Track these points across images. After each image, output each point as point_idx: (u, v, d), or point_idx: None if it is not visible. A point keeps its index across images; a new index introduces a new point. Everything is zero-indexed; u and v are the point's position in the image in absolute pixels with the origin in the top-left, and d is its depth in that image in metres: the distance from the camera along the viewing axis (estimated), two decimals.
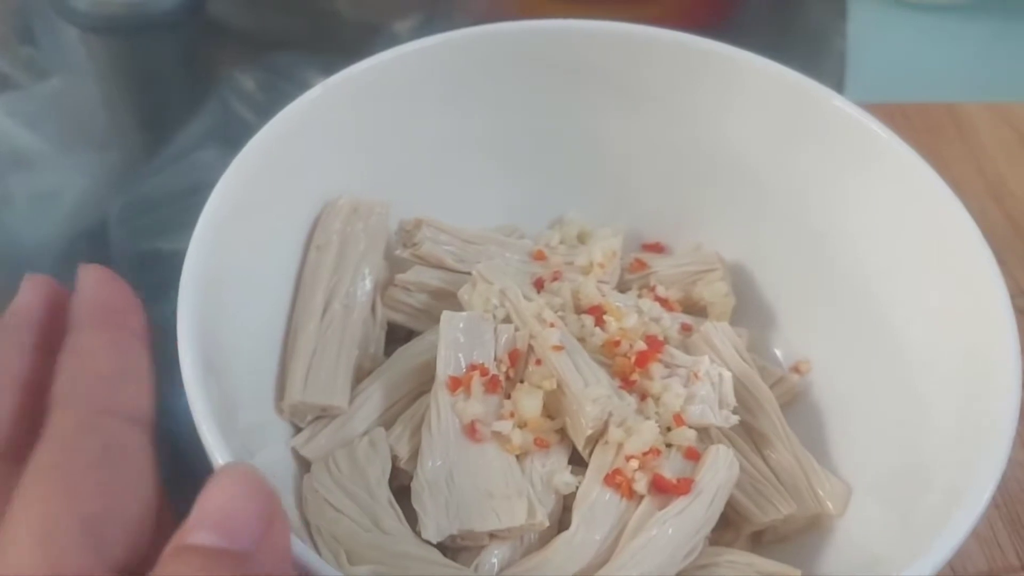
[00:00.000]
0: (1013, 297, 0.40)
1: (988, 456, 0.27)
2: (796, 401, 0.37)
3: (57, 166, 0.53)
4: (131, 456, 0.23)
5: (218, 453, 0.25)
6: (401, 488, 0.31)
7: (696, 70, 0.37)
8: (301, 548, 0.24)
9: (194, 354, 0.27)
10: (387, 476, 0.30)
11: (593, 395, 0.30)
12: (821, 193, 0.36)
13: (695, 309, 0.39)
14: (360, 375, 0.34)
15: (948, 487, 0.28)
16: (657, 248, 0.42)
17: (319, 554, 0.28)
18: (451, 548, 0.29)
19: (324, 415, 0.33)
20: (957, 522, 0.26)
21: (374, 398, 0.33)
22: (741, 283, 0.40)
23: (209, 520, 0.20)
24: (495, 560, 0.29)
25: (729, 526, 0.32)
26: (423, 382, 0.33)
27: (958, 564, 0.33)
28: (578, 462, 0.32)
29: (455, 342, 0.32)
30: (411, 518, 0.29)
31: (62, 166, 0.53)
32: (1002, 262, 0.41)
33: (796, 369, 0.37)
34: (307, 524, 0.29)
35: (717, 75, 0.37)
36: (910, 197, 0.33)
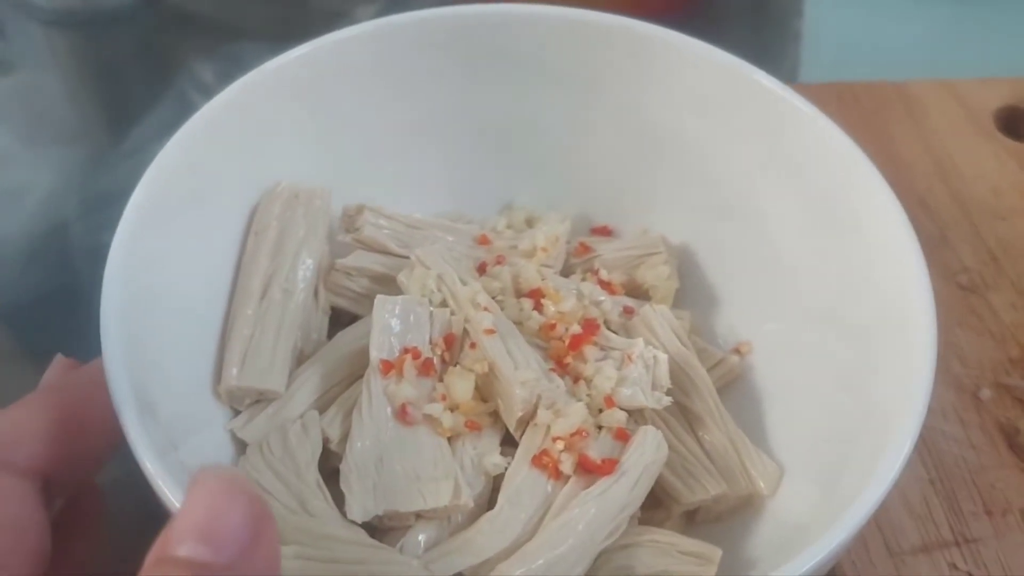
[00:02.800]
0: (956, 274, 0.41)
1: (900, 429, 0.27)
2: (736, 382, 0.37)
3: (22, 162, 0.53)
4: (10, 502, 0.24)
5: (137, 441, 0.25)
6: (335, 471, 0.31)
7: (636, 55, 0.37)
8: None
9: (119, 343, 0.27)
10: (316, 459, 0.31)
11: (522, 378, 0.31)
12: (759, 175, 0.37)
13: (639, 292, 0.39)
14: (302, 359, 0.35)
15: (864, 460, 0.28)
16: (605, 232, 0.42)
17: None
18: (378, 529, 0.30)
19: (262, 399, 0.33)
20: (869, 493, 0.26)
21: (311, 382, 0.33)
22: (687, 266, 0.40)
23: (193, 529, 0.19)
24: (420, 539, 0.29)
25: (660, 506, 0.33)
26: (360, 366, 0.33)
27: (892, 540, 0.33)
28: (512, 444, 0.32)
29: (388, 326, 0.32)
30: (341, 500, 0.30)
31: (27, 162, 0.53)
32: (946, 240, 0.42)
33: (737, 351, 0.38)
34: None
35: (656, 59, 0.37)
36: (835, 175, 0.33)
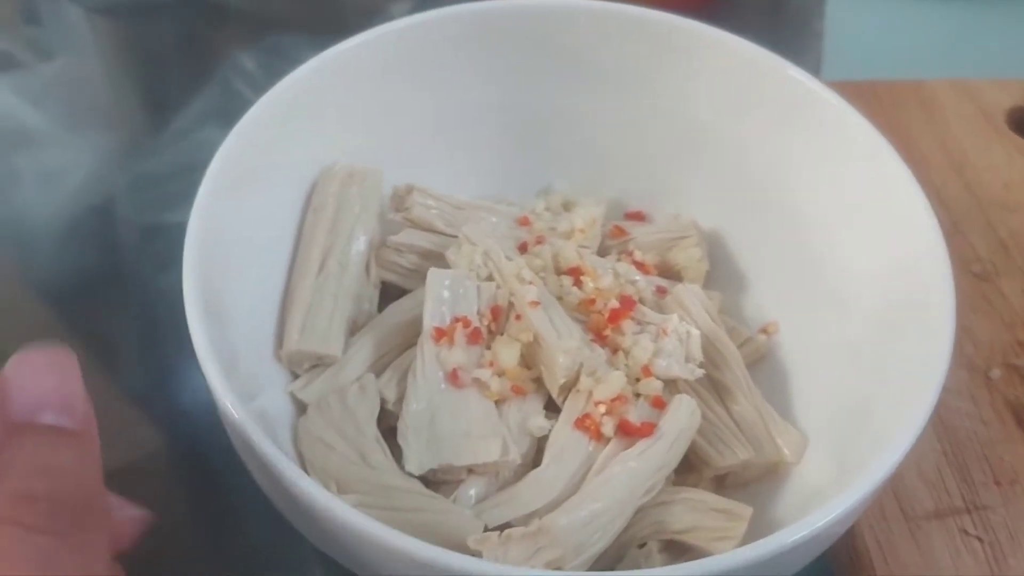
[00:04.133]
0: (970, 263, 0.43)
1: (916, 403, 0.29)
2: (763, 360, 0.39)
3: (63, 144, 0.54)
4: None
5: (221, 389, 0.28)
6: (390, 429, 0.33)
7: (674, 48, 0.39)
8: (293, 470, 0.26)
9: (198, 306, 0.30)
10: (375, 417, 0.33)
11: (565, 347, 0.33)
12: (788, 165, 0.39)
13: (671, 273, 0.41)
14: (354, 330, 0.37)
15: (882, 432, 0.30)
16: (639, 217, 0.44)
17: None
18: (432, 482, 0.32)
19: (320, 363, 0.35)
20: (885, 458, 0.28)
21: (366, 348, 0.35)
22: (717, 250, 0.42)
23: (51, 399, 0.21)
24: (472, 493, 0.31)
25: (692, 470, 0.35)
26: (412, 335, 0.35)
27: (908, 505, 0.36)
28: (554, 409, 0.34)
29: (440, 297, 0.35)
30: (397, 455, 0.32)
31: (68, 144, 0.54)
32: (960, 231, 0.44)
33: (764, 331, 0.40)
34: (302, 458, 0.32)
35: (693, 53, 0.39)
36: (863, 165, 0.36)
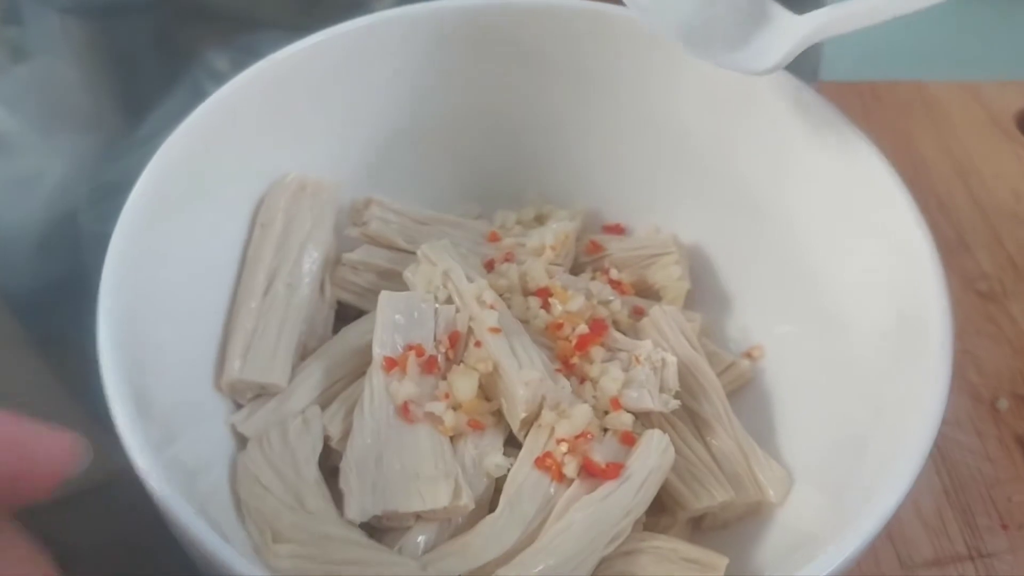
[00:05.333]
0: (975, 280, 0.40)
1: (914, 438, 0.26)
2: (747, 386, 0.36)
3: (36, 149, 0.53)
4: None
5: (129, 435, 0.25)
6: (335, 468, 0.31)
7: (653, 51, 0.36)
8: (207, 534, 0.24)
9: (111, 339, 0.27)
10: (317, 455, 0.30)
11: (526, 378, 0.30)
12: (775, 176, 0.36)
13: (649, 292, 0.38)
14: (306, 354, 0.34)
15: (877, 469, 0.27)
16: (617, 230, 0.41)
17: (246, 530, 0.28)
18: (378, 529, 0.29)
19: (264, 393, 0.33)
20: (882, 503, 0.25)
21: (314, 377, 0.33)
22: (699, 268, 0.39)
23: None
24: (420, 541, 0.29)
25: (666, 512, 0.32)
26: (364, 362, 0.33)
27: (905, 553, 0.33)
28: (517, 445, 0.32)
29: (392, 323, 0.32)
30: (341, 499, 0.29)
31: (41, 149, 0.53)
32: (965, 245, 0.41)
33: (749, 355, 0.37)
34: (238, 500, 0.29)
35: (673, 57, 0.36)
36: (855, 178, 0.33)
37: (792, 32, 0.30)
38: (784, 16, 0.30)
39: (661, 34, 0.30)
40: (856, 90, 0.42)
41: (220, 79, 0.53)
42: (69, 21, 0.58)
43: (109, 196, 0.50)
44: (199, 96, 0.52)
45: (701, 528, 0.33)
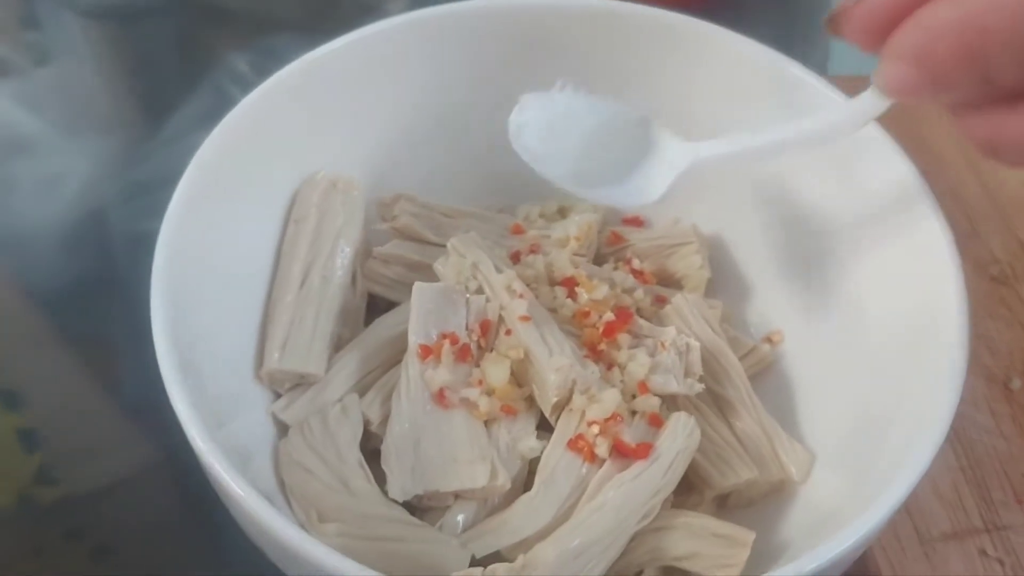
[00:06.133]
0: (987, 266, 0.41)
1: (932, 420, 0.27)
2: (768, 371, 0.37)
3: (60, 150, 0.54)
4: None
5: (190, 424, 0.26)
6: (375, 452, 0.32)
7: (673, 47, 0.38)
8: (262, 507, 0.25)
9: (166, 329, 0.28)
10: (357, 440, 0.31)
11: (557, 364, 0.31)
12: (793, 167, 0.37)
13: (670, 281, 0.39)
14: (340, 344, 0.35)
15: (896, 450, 0.28)
16: (636, 222, 0.42)
17: (292, 512, 0.30)
18: (418, 508, 0.30)
19: (302, 382, 0.34)
20: (901, 480, 0.26)
21: (350, 366, 0.34)
22: (719, 256, 0.40)
23: None
24: (459, 519, 0.30)
25: (693, 490, 0.33)
26: (398, 351, 0.34)
27: (923, 526, 0.34)
28: (548, 429, 0.33)
29: (426, 312, 0.33)
30: (381, 480, 0.31)
31: (65, 150, 0.54)
32: (977, 233, 0.42)
33: (768, 340, 0.38)
34: (282, 484, 0.31)
35: (692, 52, 0.37)
36: (872, 167, 0.34)
37: (677, 162, 0.31)
38: (670, 145, 0.32)
39: (553, 180, 0.31)
40: (866, 83, 0.43)
41: (241, 81, 0.54)
42: (90, 25, 0.59)
43: (137, 196, 0.51)
44: (221, 98, 0.53)
45: (726, 506, 0.34)
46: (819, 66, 0.42)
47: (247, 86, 0.54)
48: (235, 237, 0.34)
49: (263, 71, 0.56)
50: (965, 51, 0.23)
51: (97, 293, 0.48)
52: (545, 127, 0.31)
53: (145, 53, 0.59)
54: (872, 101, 0.28)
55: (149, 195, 0.51)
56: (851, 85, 0.35)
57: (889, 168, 0.33)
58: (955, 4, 0.23)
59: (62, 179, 0.53)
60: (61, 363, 0.48)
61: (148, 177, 0.51)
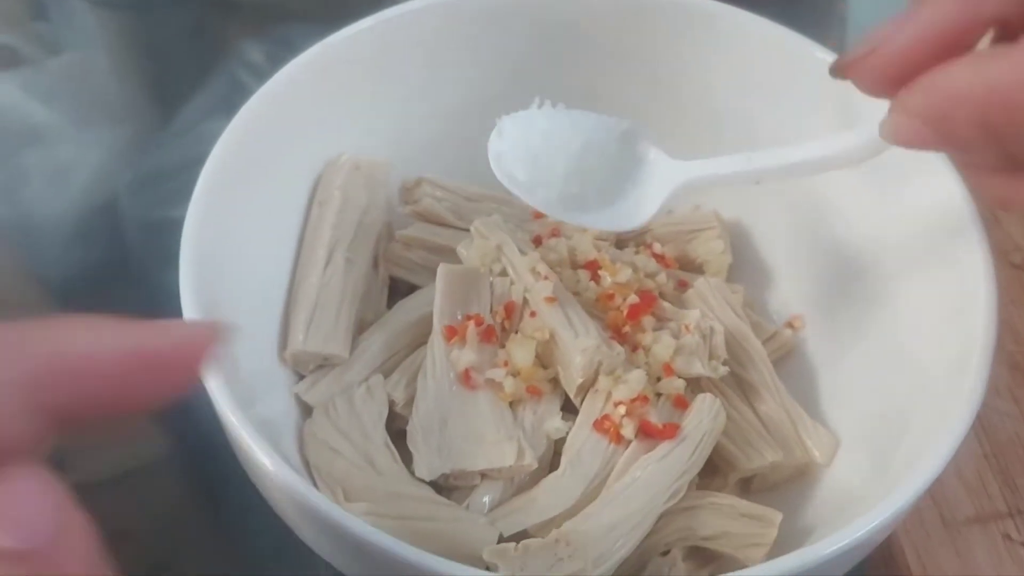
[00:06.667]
0: (1009, 253, 0.41)
1: (960, 401, 0.27)
2: (790, 356, 0.37)
3: (71, 141, 0.53)
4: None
5: (221, 397, 0.26)
6: (399, 432, 0.32)
7: (696, 30, 0.38)
8: (298, 482, 0.25)
9: (196, 309, 0.28)
10: (383, 420, 0.31)
11: (582, 345, 0.31)
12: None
13: (692, 266, 0.39)
14: (362, 327, 0.35)
15: (923, 431, 0.28)
16: None
17: (319, 491, 0.29)
18: (444, 488, 0.30)
19: (326, 364, 0.34)
20: (924, 467, 0.26)
21: (374, 348, 0.34)
22: (739, 242, 0.40)
23: None
24: (486, 499, 0.30)
25: (717, 473, 0.33)
26: (422, 334, 0.34)
27: (947, 510, 0.34)
28: (571, 411, 0.33)
29: (451, 294, 0.33)
30: (407, 460, 0.30)
31: (76, 141, 0.53)
32: (998, 221, 0.42)
33: (790, 325, 0.38)
34: (307, 464, 0.31)
35: (716, 35, 0.37)
36: (897, 156, 0.33)
37: (668, 182, 0.31)
38: (659, 163, 0.31)
39: (539, 209, 0.31)
40: None
41: (255, 71, 0.54)
42: (102, 14, 0.59)
43: (151, 184, 0.51)
44: (236, 87, 0.53)
45: (750, 490, 0.34)
46: (837, 47, 0.42)
47: (261, 75, 0.54)
48: (260, 220, 0.34)
49: (277, 60, 0.56)
50: (986, 124, 0.22)
51: (109, 282, 0.48)
52: (527, 153, 0.30)
53: (158, 43, 0.59)
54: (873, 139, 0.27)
55: (161, 183, 0.51)
56: None
57: (914, 153, 0.33)
58: (976, 72, 0.22)
59: (74, 169, 0.53)
60: None
61: (160, 166, 0.51)
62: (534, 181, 0.30)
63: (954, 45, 0.23)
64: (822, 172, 0.30)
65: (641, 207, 0.31)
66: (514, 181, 0.30)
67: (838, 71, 0.26)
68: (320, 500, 0.24)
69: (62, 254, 0.50)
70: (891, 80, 0.24)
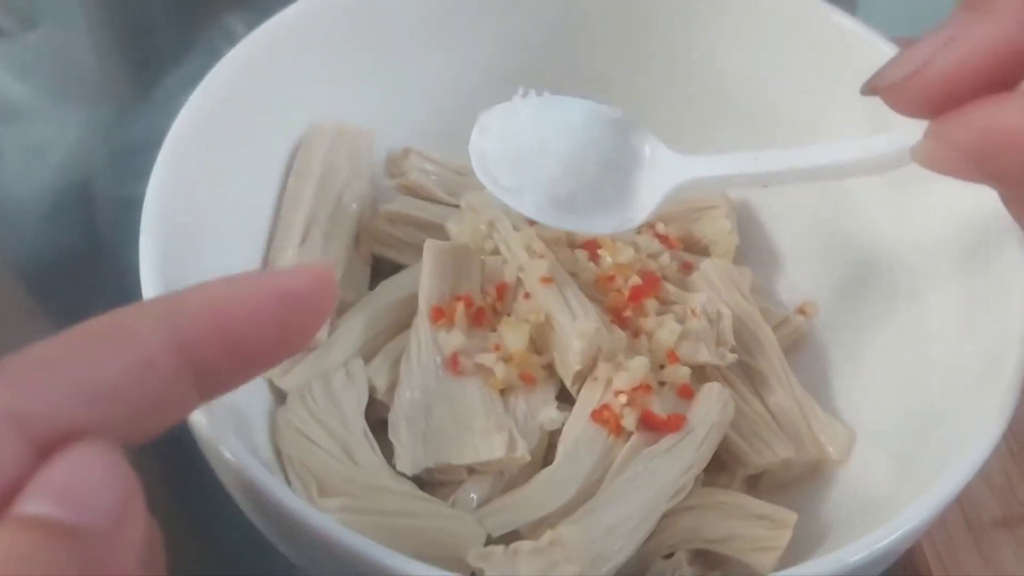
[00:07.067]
0: None
1: (995, 402, 0.25)
2: (801, 344, 0.35)
3: (48, 117, 0.52)
4: None
5: None
6: (380, 422, 0.29)
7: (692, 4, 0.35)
8: (266, 477, 0.22)
9: (158, 286, 0.26)
10: (363, 408, 0.29)
11: (581, 329, 0.29)
12: (824, 123, 0.34)
13: (697, 248, 0.37)
14: (342, 309, 0.33)
15: (953, 432, 0.26)
16: None
17: (288, 484, 0.27)
18: (428, 483, 0.28)
19: None
20: (958, 468, 0.24)
21: (354, 330, 0.31)
22: (747, 223, 0.38)
23: (51, 487, 0.15)
24: (473, 495, 0.27)
25: (724, 469, 0.31)
26: (407, 315, 0.32)
27: (971, 512, 0.31)
28: (567, 400, 0.30)
29: (439, 273, 0.31)
30: (388, 452, 0.28)
31: (53, 117, 0.52)
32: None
33: (802, 311, 0.36)
34: (279, 454, 0.28)
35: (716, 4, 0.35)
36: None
37: (667, 178, 0.28)
38: (658, 156, 0.28)
39: (527, 214, 0.28)
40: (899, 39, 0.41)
41: (236, 42, 0.51)
42: None
43: (125, 160, 0.49)
44: (214, 58, 0.51)
45: (758, 489, 0.31)
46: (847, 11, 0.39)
47: None
48: (232, 191, 0.31)
49: None
50: None
51: (83, 264, 0.46)
52: (512, 152, 0.27)
53: (136, 16, 0.57)
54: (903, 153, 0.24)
55: (135, 158, 0.49)
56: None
57: None
58: None
59: (50, 147, 0.51)
60: (45, 336, 0.46)
61: (135, 140, 0.49)
62: (521, 184, 0.27)
63: (1010, 71, 0.20)
64: (839, 179, 0.27)
65: (638, 206, 0.28)
66: (499, 186, 0.27)
67: (871, 92, 0.23)
68: (286, 495, 0.22)
69: (36, 236, 0.48)
70: (931, 106, 0.22)
